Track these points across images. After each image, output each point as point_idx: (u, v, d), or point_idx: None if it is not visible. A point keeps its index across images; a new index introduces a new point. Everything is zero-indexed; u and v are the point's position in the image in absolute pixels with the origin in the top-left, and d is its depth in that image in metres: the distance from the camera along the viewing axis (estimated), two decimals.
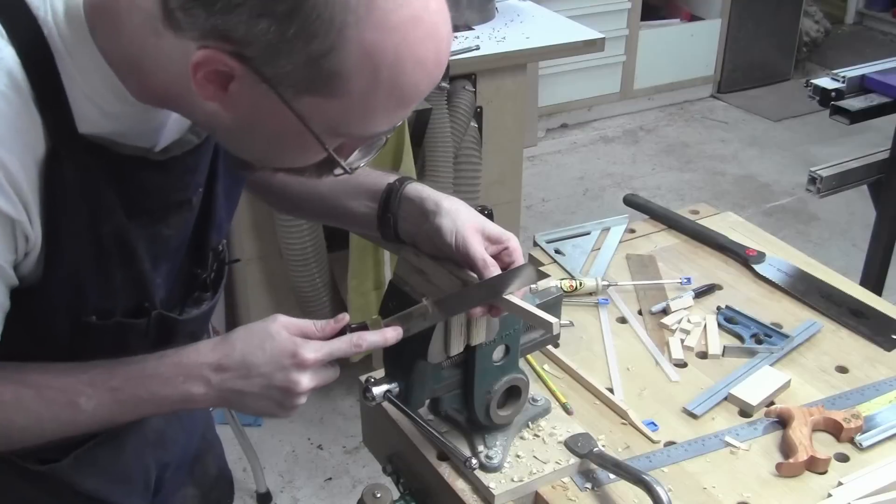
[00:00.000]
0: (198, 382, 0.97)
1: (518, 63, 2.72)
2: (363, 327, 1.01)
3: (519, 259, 1.07)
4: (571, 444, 1.15)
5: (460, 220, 1.05)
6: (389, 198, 1.11)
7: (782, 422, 1.20)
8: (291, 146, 0.88)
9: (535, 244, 1.60)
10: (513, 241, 1.07)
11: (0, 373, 0.94)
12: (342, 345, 0.99)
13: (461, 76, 2.57)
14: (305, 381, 0.97)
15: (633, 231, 1.65)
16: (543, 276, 1.03)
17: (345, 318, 1.01)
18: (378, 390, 1.04)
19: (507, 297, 1.03)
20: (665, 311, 1.43)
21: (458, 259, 1.05)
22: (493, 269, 1.02)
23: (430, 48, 0.82)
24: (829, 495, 1.09)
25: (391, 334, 1.01)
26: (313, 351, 0.97)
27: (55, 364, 0.97)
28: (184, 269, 1.11)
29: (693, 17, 4.99)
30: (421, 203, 1.08)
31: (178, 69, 0.82)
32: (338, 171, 0.91)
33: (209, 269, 1.14)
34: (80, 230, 0.92)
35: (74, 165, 0.89)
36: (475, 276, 1.03)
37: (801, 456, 1.13)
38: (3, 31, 0.83)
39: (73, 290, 0.96)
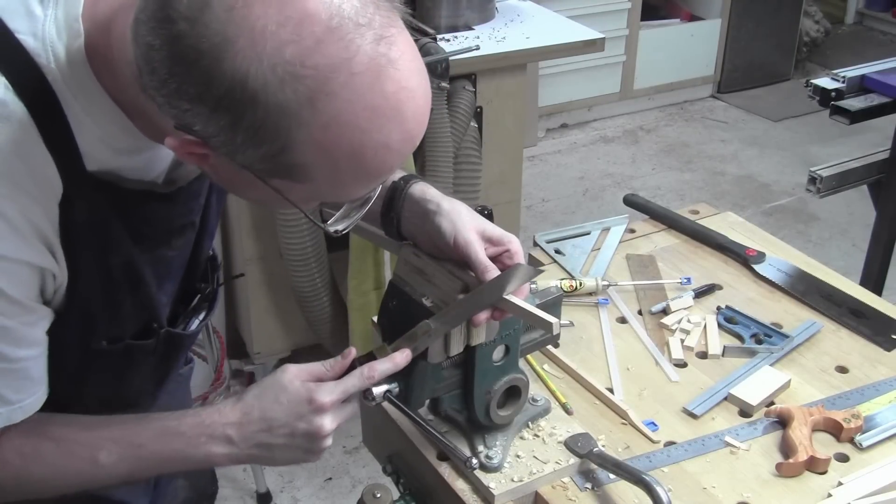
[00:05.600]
0: (220, 442, 0.99)
1: (518, 63, 2.71)
2: (370, 357, 1.03)
3: (520, 262, 1.06)
4: (571, 444, 1.15)
5: (460, 221, 1.05)
6: (394, 197, 1.11)
7: (782, 422, 1.20)
8: (278, 205, 0.90)
9: (535, 244, 1.60)
10: (514, 244, 1.07)
11: (23, 425, 0.95)
12: (355, 380, 1.01)
13: (461, 76, 2.56)
14: (327, 423, 1.00)
15: (633, 231, 1.65)
16: (539, 272, 1.04)
17: (351, 352, 1.03)
18: (378, 390, 1.04)
19: (507, 297, 1.03)
20: (665, 311, 1.43)
21: (457, 260, 1.05)
22: (494, 274, 1.02)
23: (394, 130, 0.80)
24: (829, 495, 1.09)
25: (400, 358, 1.03)
26: (328, 393, 0.99)
27: (78, 417, 0.99)
28: (184, 283, 1.12)
29: (693, 17, 4.98)
30: (424, 203, 1.08)
31: (166, 128, 0.83)
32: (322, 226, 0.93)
33: (211, 281, 1.16)
34: (91, 264, 0.94)
35: (85, 203, 0.90)
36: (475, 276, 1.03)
37: (801, 456, 1.13)
38: (9, 84, 0.84)
39: (85, 320, 0.97)
